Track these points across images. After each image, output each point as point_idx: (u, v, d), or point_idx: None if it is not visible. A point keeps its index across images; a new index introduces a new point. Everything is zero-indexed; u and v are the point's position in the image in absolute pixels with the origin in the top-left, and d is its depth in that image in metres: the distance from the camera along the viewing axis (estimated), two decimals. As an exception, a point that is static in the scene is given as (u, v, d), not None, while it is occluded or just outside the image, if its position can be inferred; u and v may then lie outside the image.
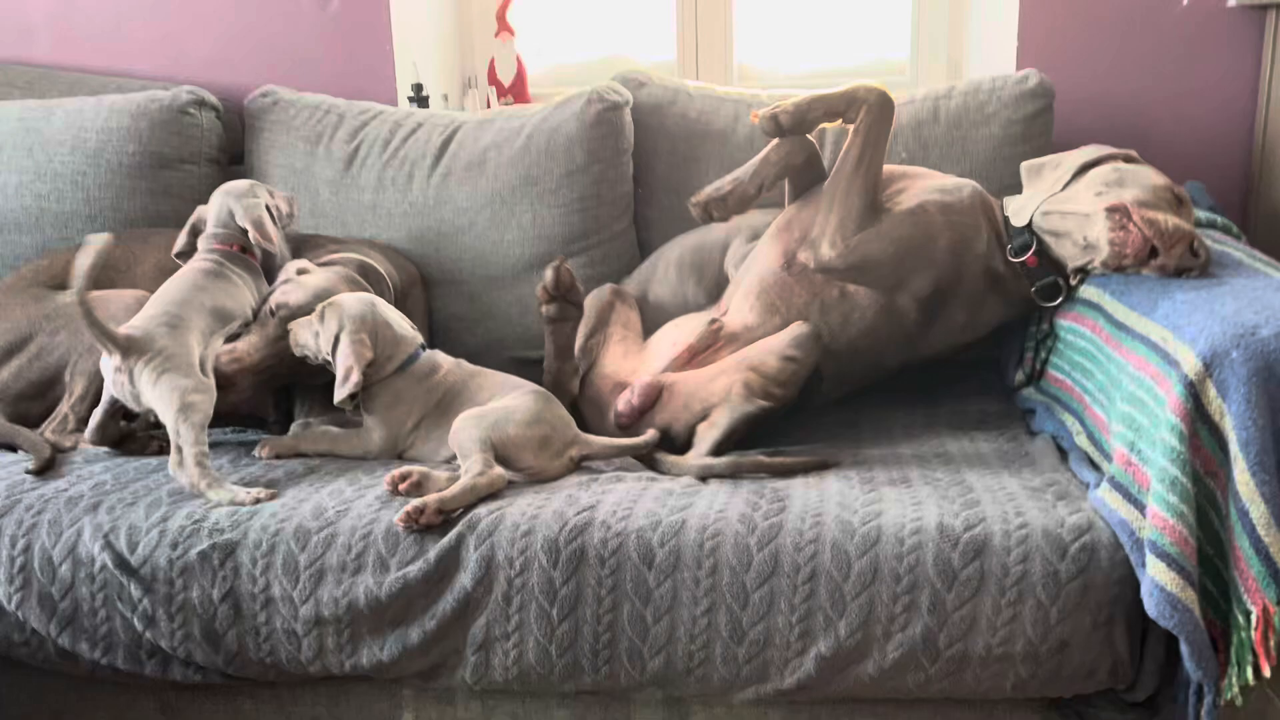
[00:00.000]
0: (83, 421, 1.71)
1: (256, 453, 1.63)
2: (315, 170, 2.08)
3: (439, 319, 2.02)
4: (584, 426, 1.65)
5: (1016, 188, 1.85)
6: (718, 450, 1.55)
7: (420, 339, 1.67)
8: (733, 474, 1.49)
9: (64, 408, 1.74)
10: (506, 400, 1.55)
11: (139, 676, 1.45)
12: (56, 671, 1.49)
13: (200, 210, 1.78)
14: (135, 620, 1.41)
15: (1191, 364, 1.22)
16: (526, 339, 1.97)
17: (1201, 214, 1.84)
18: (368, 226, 2.04)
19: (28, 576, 1.43)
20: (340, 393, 1.56)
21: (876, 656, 1.28)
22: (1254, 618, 1.18)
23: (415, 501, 1.37)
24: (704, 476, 1.50)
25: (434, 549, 1.36)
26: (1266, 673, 1.18)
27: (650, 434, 1.58)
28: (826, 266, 1.65)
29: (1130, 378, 1.36)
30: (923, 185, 1.70)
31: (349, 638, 1.38)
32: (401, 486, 1.43)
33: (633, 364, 1.76)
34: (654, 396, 1.64)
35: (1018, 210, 1.66)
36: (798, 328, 1.62)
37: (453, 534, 1.36)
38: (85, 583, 1.42)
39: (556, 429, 1.54)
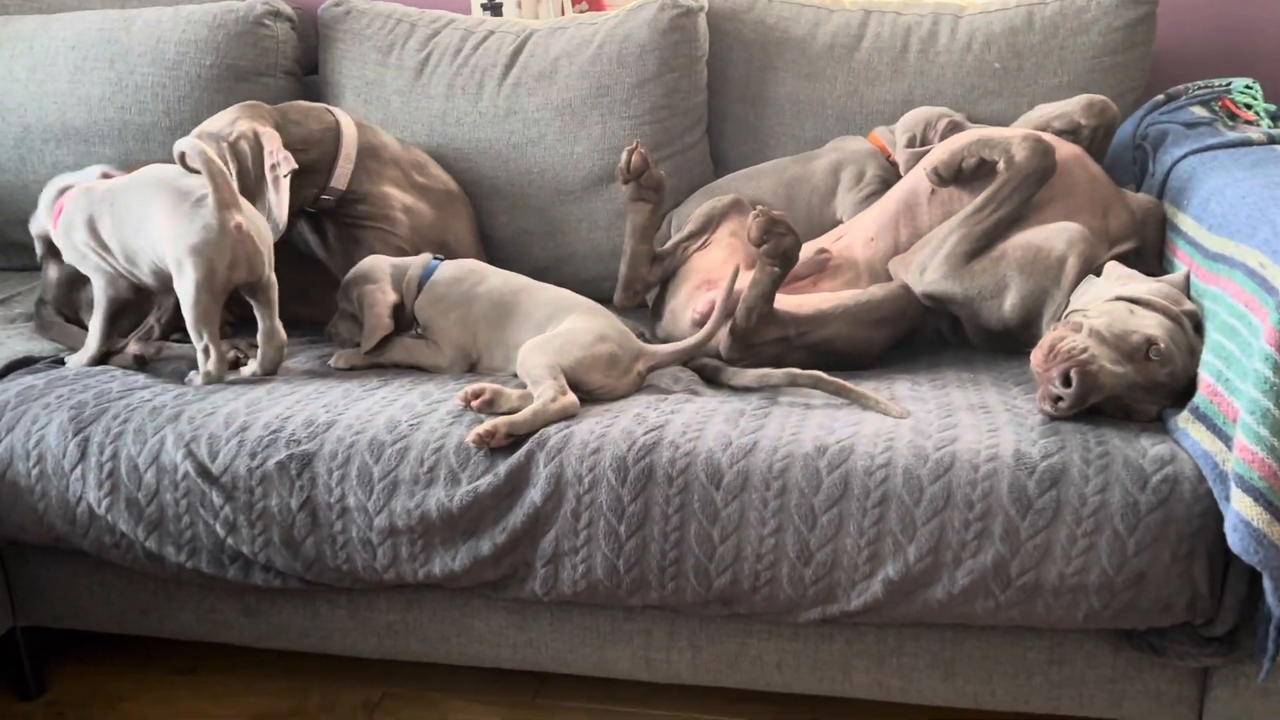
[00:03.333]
0: (166, 335, 1.75)
1: (332, 363, 1.65)
2: (386, 80, 2.07)
3: (508, 233, 2.01)
4: (657, 311, 1.72)
5: (1119, 100, 1.79)
6: None
7: (427, 256, 1.72)
8: (790, 384, 1.47)
9: (151, 319, 1.77)
10: (568, 322, 1.54)
11: (222, 580, 1.49)
12: (145, 573, 1.54)
13: None
14: (218, 526, 1.45)
15: (1291, 291, 1.16)
16: (597, 255, 1.95)
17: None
18: (436, 135, 2.03)
19: (115, 482, 1.47)
20: (370, 340, 1.64)
21: (945, 582, 1.27)
22: (1344, 559, 1.14)
23: (486, 424, 1.38)
24: (762, 387, 1.49)
25: (504, 464, 1.37)
26: (1353, 615, 1.14)
27: (710, 327, 1.54)
28: (916, 288, 1.63)
29: (1225, 306, 1.30)
30: (1036, 224, 1.61)
31: (422, 547, 1.41)
32: (474, 404, 1.44)
33: (731, 270, 1.74)
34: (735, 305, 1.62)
35: (1085, 299, 1.50)
36: (898, 284, 1.63)
37: (522, 450, 1.37)
38: (170, 489, 1.46)
39: (622, 345, 1.53)
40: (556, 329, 1.55)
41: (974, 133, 1.64)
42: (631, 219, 1.71)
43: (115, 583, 1.60)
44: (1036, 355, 1.34)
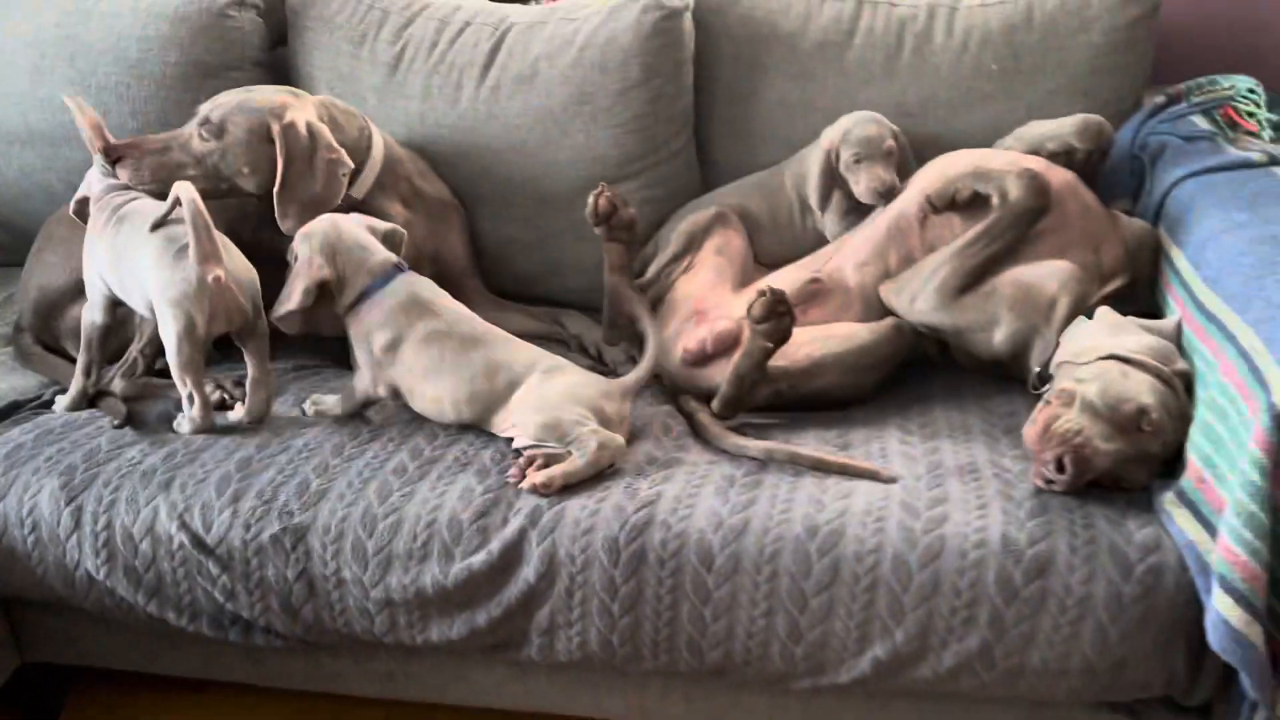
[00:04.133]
0: (150, 366, 1.74)
1: (308, 411, 1.64)
2: (361, 75, 1.99)
3: (492, 241, 1.97)
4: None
5: (1119, 104, 1.74)
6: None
7: (393, 259, 1.58)
8: (768, 459, 1.46)
9: (133, 350, 1.75)
10: (565, 376, 1.52)
11: (224, 641, 1.52)
12: (148, 630, 1.57)
13: None
14: (216, 593, 1.47)
15: (1282, 394, 1.15)
16: (584, 266, 1.91)
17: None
18: (415, 136, 1.96)
19: (112, 550, 1.48)
20: (279, 310, 1.53)
21: (932, 662, 1.30)
22: (1320, 653, 1.17)
23: (542, 475, 1.39)
24: (740, 455, 1.49)
25: (497, 542, 1.38)
26: (1326, 699, 1.17)
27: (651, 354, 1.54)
28: (906, 316, 1.63)
29: (1215, 381, 1.30)
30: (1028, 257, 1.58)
31: (419, 617, 1.43)
32: (538, 481, 1.41)
33: (719, 295, 1.73)
34: (728, 346, 1.61)
35: (1076, 346, 1.48)
36: (890, 321, 1.61)
37: (514, 527, 1.38)
38: (166, 558, 1.47)
39: (605, 393, 1.52)
40: (560, 380, 1.52)
41: (969, 162, 1.60)
42: (608, 259, 1.70)
43: (120, 632, 1.63)
44: (1031, 432, 1.34)
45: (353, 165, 1.69)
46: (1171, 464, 1.36)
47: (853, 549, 1.30)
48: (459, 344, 1.53)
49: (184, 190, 1.50)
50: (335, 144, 1.67)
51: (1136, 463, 1.34)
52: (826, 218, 1.77)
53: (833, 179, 1.73)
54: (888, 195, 1.68)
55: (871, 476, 1.39)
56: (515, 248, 1.95)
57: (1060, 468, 1.29)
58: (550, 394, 1.49)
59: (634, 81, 1.85)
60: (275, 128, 1.64)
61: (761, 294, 1.47)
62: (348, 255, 1.55)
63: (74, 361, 1.79)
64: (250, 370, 1.60)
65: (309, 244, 1.55)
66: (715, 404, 1.54)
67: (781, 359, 1.55)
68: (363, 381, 1.58)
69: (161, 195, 1.57)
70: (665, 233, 1.85)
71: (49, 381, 1.77)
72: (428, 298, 1.57)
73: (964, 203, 1.59)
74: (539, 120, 1.89)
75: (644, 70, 1.84)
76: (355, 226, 1.58)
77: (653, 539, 1.34)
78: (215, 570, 1.46)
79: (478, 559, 1.38)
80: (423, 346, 1.53)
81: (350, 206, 1.75)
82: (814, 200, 1.74)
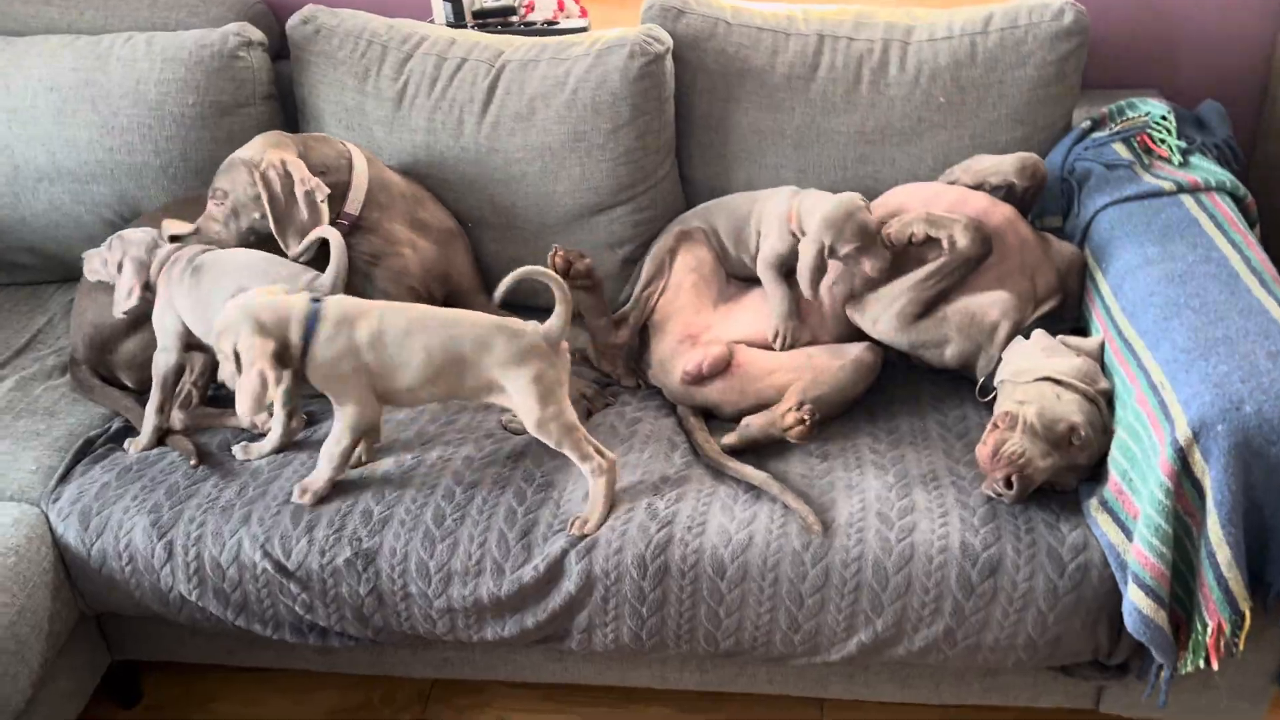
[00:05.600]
0: (204, 397, 1.95)
1: (238, 454, 1.84)
2: (367, 109, 2.16)
3: (498, 261, 2.17)
4: (643, 360, 1.98)
5: (1051, 128, 2.03)
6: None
7: (309, 296, 1.66)
8: (743, 477, 1.70)
9: (186, 383, 1.95)
10: (515, 371, 1.64)
11: (303, 644, 1.78)
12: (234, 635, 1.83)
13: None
14: (296, 607, 1.72)
15: (1184, 430, 1.44)
16: (584, 283, 2.13)
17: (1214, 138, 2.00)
18: (421, 166, 2.15)
19: (202, 577, 1.72)
20: (245, 408, 1.58)
21: (906, 643, 1.60)
22: (1210, 629, 1.48)
23: (583, 529, 1.64)
24: (723, 469, 1.73)
25: (541, 560, 1.64)
26: (1215, 666, 1.49)
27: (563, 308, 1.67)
28: (869, 332, 1.88)
29: (1131, 406, 1.58)
30: (973, 285, 1.83)
31: (475, 620, 1.70)
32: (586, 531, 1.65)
33: (705, 317, 1.97)
34: (723, 367, 1.86)
35: (1016, 366, 1.73)
36: (864, 352, 1.84)
37: (557, 547, 1.64)
38: (251, 581, 1.72)
39: (551, 362, 1.66)
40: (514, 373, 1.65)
41: (923, 210, 1.82)
42: (580, 304, 1.95)
43: (205, 630, 1.87)
44: (983, 453, 1.62)
45: (328, 190, 1.92)
46: (1095, 468, 1.65)
47: (839, 557, 1.59)
48: (404, 329, 1.65)
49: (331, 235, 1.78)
50: (308, 175, 1.90)
51: (1068, 471, 1.63)
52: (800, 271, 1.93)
53: (824, 270, 1.84)
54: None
55: (807, 527, 1.61)
56: (517, 266, 2.15)
57: (1009, 484, 1.57)
58: (539, 391, 1.64)
59: (624, 120, 2.05)
60: (256, 175, 1.87)
61: (801, 421, 1.72)
62: (274, 318, 1.62)
63: (129, 391, 2.00)
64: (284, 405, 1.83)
65: (237, 333, 1.60)
66: (726, 442, 1.78)
67: (770, 392, 1.82)
68: (350, 416, 1.68)
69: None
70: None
71: (109, 413, 1.97)
72: (351, 306, 1.67)
73: (917, 244, 1.83)
74: (538, 155, 2.08)
75: (633, 110, 2.04)
76: (258, 294, 1.65)
77: (674, 555, 1.61)
78: (296, 589, 1.70)
79: (526, 573, 1.64)
80: (373, 347, 1.64)
81: (352, 225, 1.97)
82: (806, 289, 1.83)
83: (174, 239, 1.90)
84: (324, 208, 1.90)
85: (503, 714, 2.01)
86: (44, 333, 2.22)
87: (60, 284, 2.37)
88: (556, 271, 1.88)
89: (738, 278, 2.06)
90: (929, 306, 1.82)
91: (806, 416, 1.71)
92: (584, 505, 1.68)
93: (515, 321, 1.68)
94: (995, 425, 1.64)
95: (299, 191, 1.88)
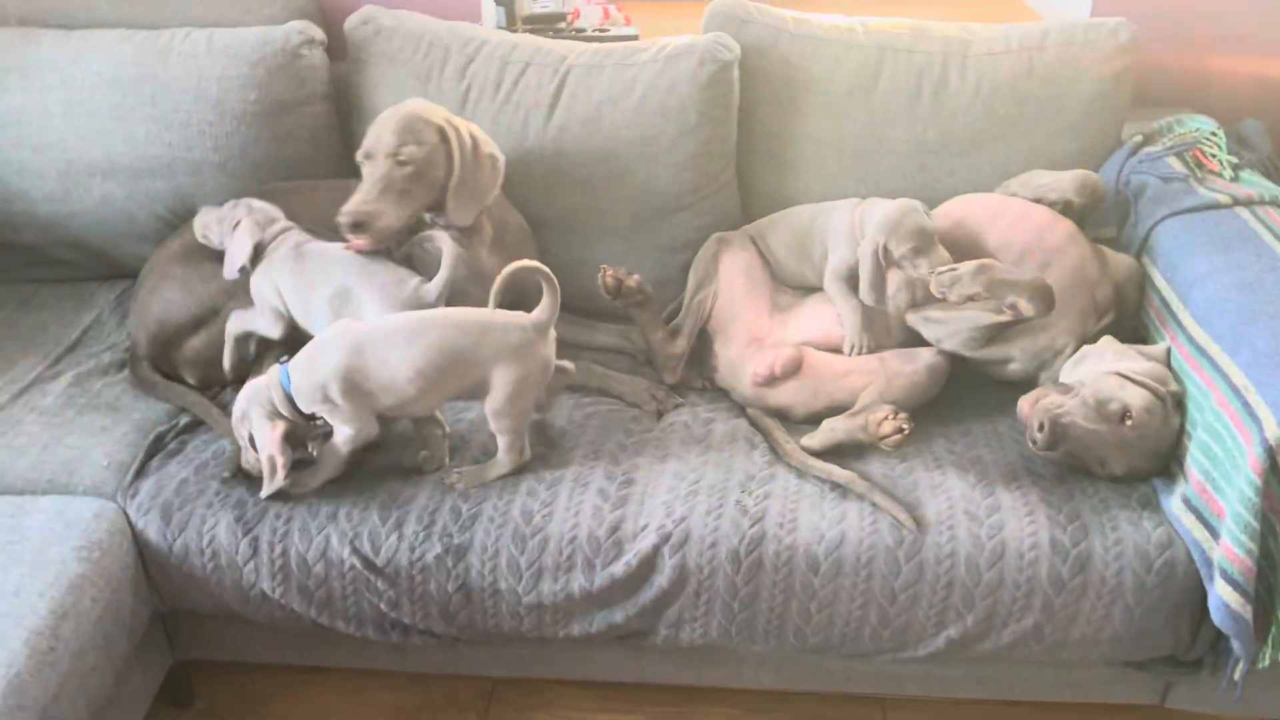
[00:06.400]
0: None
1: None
2: (429, 110, 2.17)
3: (560, 262, 2.10)
4: (709, 363, 2.00)
5: (1104, 141, 2.09)
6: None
7: (277, 368, 1.70)
8: (828, 477, 1.73)
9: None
10: (503, 368, 1.67)
11: (385, 641, 1.77)
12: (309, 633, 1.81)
13: None
14: (381, 604, 1.72)
15: (1274, 430, 1.49)
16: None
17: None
18: (486, 168, 2.16)
19: (287, 573, 1.71)
20: (271, 488, 1.68)
21: (994, 639, 1.64)
22: (1293, 622, 1.54)
23: (455, 483, 1.74)
24: (806, 472, 1.75)
25: (633, 554, 1.66)
26: (1296, 657, 1.55)
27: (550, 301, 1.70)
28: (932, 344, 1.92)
29: (1210, 408, 1.63)
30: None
31: (562, 615, 1.71)
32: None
33: (766, 323, 1.99)
34: (794, 369, 1.89)
35: (1086, 369, 1.77)
36: (935, 356, 1.87)
37: (649, 544, 1.65)
38: (338, 578, 1.71)
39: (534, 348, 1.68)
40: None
41: (989, 272, 1.77)
42: (636, 319, 2.00)
43: (275, 629, 1.86)
44: (1024, 401, 1.70)
45: (503, 158, 1.93)
46: (1151, 461, 1.69)
47: (933, 554, 1.62)
48: (383, 352, 1.66)
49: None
50: (489, 139, 1.91)
51: (1117, 449, 1.67)
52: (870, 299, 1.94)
53: (884, 272, 1.85)
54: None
55: (899, 520, 1.65)
56: (582, 269, 2.16)
57: (1042, 428, 1.63)
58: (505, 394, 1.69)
59: (691, 126, 2.08)
60: (450, 133, 1.86)
61: (900, 429, 1.73)
62: (266, 398, 1.68)
63: (191, 387, 1.98)
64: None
65: (252, 417, 1.69)
66: (807, 444, 1.80)
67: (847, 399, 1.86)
68: (347, 433, 1.70)
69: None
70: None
71: (174, 409, 1.95)
72: (313, 350, 1.70)
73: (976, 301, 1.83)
74: (604, 158, 2.11)
75: (700, 116, 2.07)
76: (254, 384, 1.71)
77: (768, 550, 1.64)
78: (383, 585, 1.70)
79: (618, 568, 1.66)
80: (350, 376, 1.66)
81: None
82: (867, 294, 1.86)
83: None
84: (500, 174, 1.92)
85: (566, 713, 2.01)
86: (94, 329, 2.19)
87: (105, 280, 2.34)
88: (607, 290, 1.94)
89: (791, 288, 2.09)
90: (992, 338, 1.87)
91: (905, 426, 1.73)
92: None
93: (502, 315, 1.70)
94: (1048, 392, 1.70)
95: (484, 155, 1.89)
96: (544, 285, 1.68)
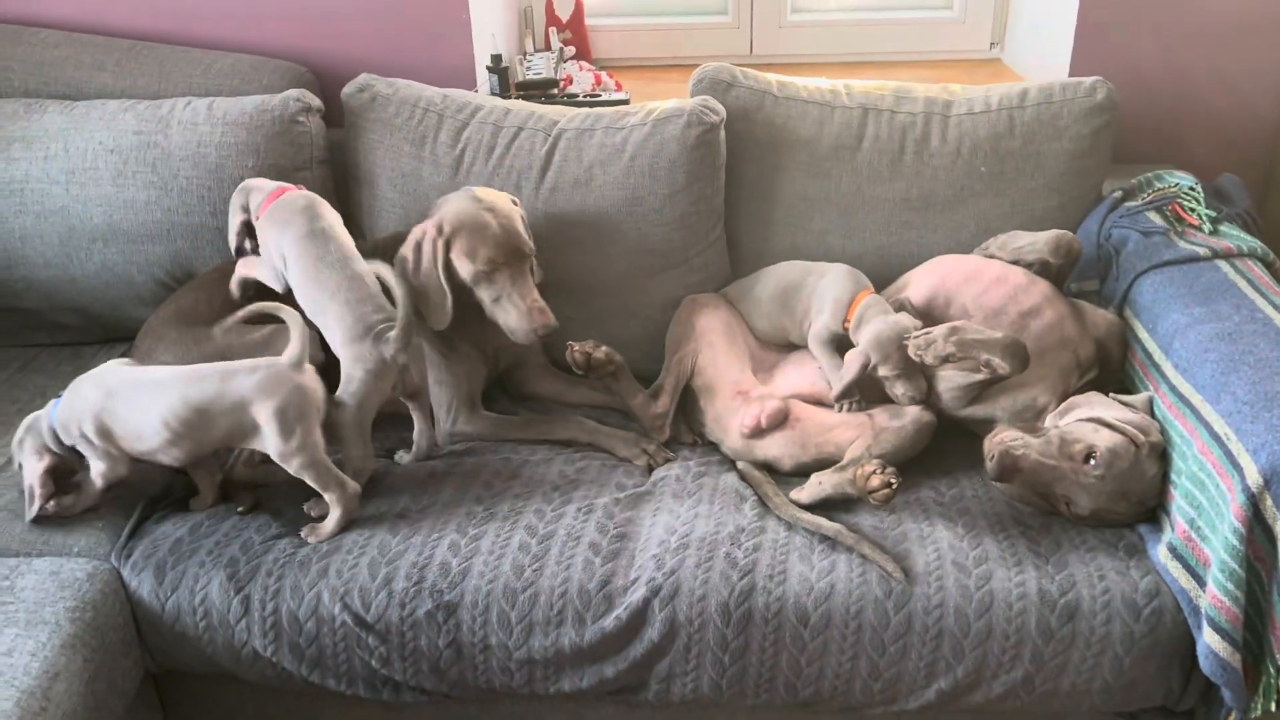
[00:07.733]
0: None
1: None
2: (423, 174, 2.21)
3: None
4: (696, 418, 2.02)
5: (1084, 197, 2.13)
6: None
7: (49, 405, 1.80)
8: (816, 530, 1.74)
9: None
10: (259, 406, 1.71)
11: (376, 700, 1.77)
12: (300, 693, 1.81)
13: None
14: (372, 661, 1.72)
15: (1255, 477, 1.51)
16: (635, 341, 2.17)
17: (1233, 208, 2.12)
18: (479, 230, 2.20)
19: (279, 631, 1.72)
20: (31, 514, 1.79)
21: (984, 690, 1.64)
22: (1281, 671, 1.54)
23: (309, 536, 1.79)
24: (795, 524, 1.77)
25: (624, 609, 1.66)
26: (1286, 707, 1.55)
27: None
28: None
29: (1193, 457, 1.65)
30: None
31: (553, 671, 1.71)
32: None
33: (749, 377, 2.02)
34: (781, 420, 1.91)
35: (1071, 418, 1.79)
36: (922, 412, 1.89)
37: (639, 597, 1.66)
38: (329, 635, 1.72)
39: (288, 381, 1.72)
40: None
41: (960, 333, 1.81)
42: (612, 390, 2.06)
43: (265, 689, 1.85)
44: (987, 438, 1.74)
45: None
46: (1117, 504, 1.70)
47: (921, 604, 1.63)
48: (131, 400, 1.75)
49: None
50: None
51: (1079, 488, 1.68)
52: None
53: (862, 381, 1.90)
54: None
55: (887, 571, 1.66)
56: (573, 325, 2.18)
57: (991, 458, 1.68)
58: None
59: (679, 186, 2.12)
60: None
61: (888, 484, 1.73)
62: (38, 430, 1.78)
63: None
64: (418, 422, 1.93)
65: (24, 448, 1.79)
66: (796, 497, 1.82)
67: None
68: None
69: None
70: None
71: (168, 473, 1.96)
72: (74, 402, 1.78)
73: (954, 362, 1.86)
74: (595, 219, 2.15)
75: (688, 177, 2.12)
76: (33, 416, 1.81)
77: (757, 603, 1.64)
78: (374, 643, 1.71)
79: (609, 622, 1.66)
80: (99, 417, 1.74)
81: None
82: (840, 391, 1.91)
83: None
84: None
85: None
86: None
87: (102, 344, 2.37)
88: (577, 365, 1.99)
89: (765, 343, 2.13)
90: (974, 398, 1.89)
91: (894, 480, 1.74)
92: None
93: (250, 360, 1.76)
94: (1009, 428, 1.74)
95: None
96: (290, 327, 1.74)
